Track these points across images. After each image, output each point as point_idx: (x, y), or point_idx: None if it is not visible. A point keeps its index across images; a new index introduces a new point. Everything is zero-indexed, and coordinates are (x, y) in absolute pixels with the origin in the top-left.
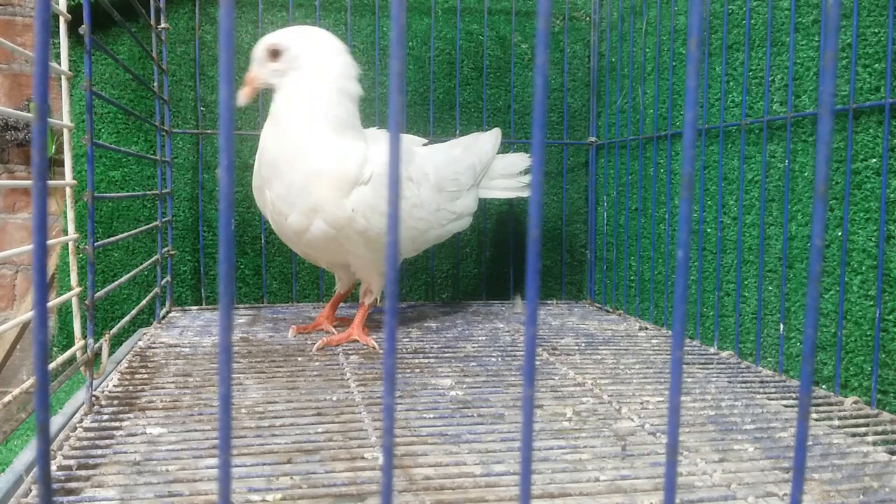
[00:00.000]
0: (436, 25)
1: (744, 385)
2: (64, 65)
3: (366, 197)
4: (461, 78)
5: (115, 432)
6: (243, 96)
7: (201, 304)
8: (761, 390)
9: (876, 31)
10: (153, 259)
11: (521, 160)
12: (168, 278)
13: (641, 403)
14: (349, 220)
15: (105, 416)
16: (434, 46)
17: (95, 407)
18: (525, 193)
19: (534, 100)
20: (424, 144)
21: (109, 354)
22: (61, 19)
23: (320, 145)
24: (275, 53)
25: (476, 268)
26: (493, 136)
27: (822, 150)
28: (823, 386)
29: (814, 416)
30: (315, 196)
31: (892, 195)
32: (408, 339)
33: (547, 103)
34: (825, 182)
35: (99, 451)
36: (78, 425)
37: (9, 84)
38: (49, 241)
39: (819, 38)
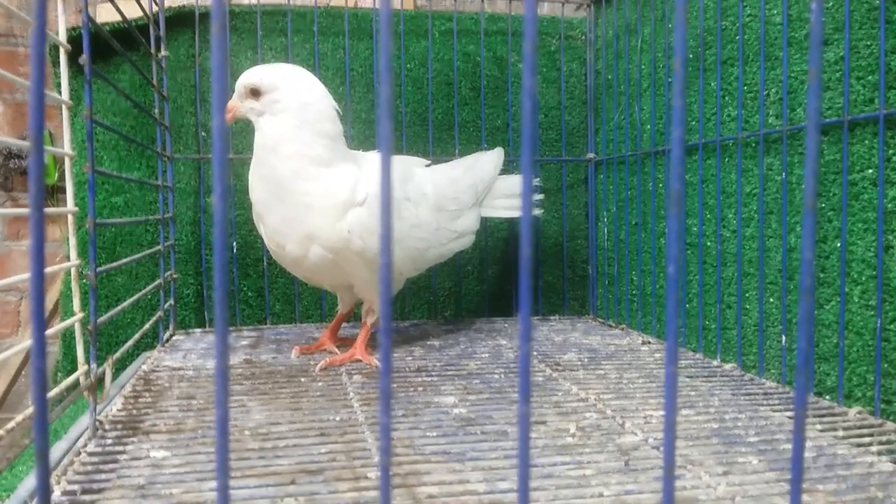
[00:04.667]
0: (433, 47)
1: (747, 397)
2: (65, 94)
3: (362, 218)
4: (459, 98)
5: (118, 456)
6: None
7: (205, 327)
8: (765, 402)
9: (868, 43)
10: (156, 283)
11: None
12: (171, 302)
13: (645, 418)
14: (346, 243)
15: (109, 441)
16: (432, 68)
17: (99, 431)
18: None
19: (522, 121)
20: (427, 166)
21: (113, 378)
22: (61, 50)
23: (306, 180)
24: (255, 92)
25: (478, 285)
26: (495, 156)
27: (810, 164)
28: (827, 396)
29: (818, 426)
30: (309, 224)
31: (889, 205)
32: (411, 358)
33: (544, 121)
34: (813, 196)
35: (103, 476)
36: (82, 450)
37: (11, 113)
38: (51, 269)
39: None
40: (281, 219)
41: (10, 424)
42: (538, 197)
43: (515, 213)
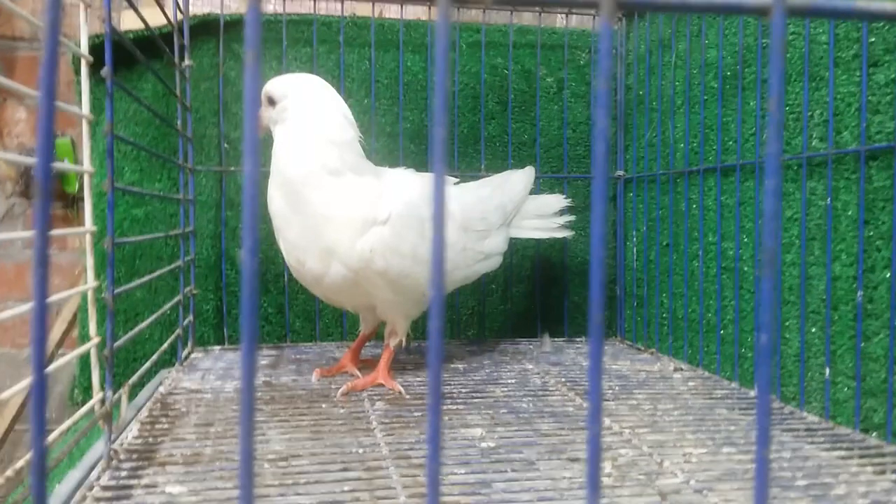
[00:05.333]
0: (460, 60)
1: (789, 433)
2: (86, 105)
3: (384, 237)
4: (486, 112)
5: (133, 491)
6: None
7: (224, 344)
8: (809, 439)
9: None
10: (175, 300)
11: (555, 201)
12: (190, 318)
13: (684, 456)
14: (367, 262)
15: (123, 473)
16: (458, 81)
17: (114, 462)
18: (559, 234)
19: (593, 165)
20: (455, 183)
21: (130, 398)
22: (83, 60)
23: (317, 188)
24: (270, 101)
25: (502, 304)
26: (525, 175)
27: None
28: (874, 434)
29: (868, 468)
30: (327, 239)
31: None
32: None
33: (572, 137)
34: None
35: None
36: (95, 483)
37: (34, 119)
38: (65, 294)
39: (860, 73)
40: (300, 232)
41: (19, 464)
42: (568, 218)
43: (546, 234)
